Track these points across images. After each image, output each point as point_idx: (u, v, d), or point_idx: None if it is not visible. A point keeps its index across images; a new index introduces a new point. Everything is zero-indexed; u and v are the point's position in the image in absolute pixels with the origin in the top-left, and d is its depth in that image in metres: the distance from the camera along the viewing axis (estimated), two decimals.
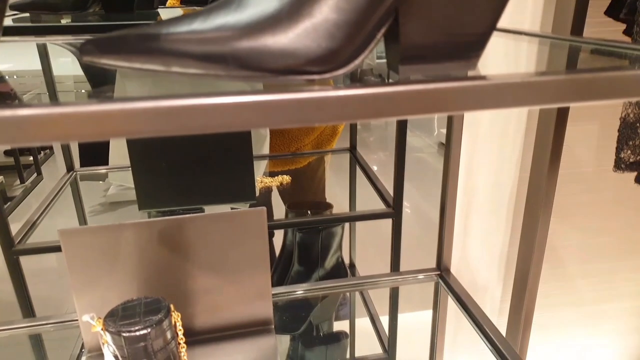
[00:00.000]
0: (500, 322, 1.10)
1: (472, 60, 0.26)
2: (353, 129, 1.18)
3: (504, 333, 0.95)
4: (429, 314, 0.81)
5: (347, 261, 1.25)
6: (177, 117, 0.22)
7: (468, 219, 0.94)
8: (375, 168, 1.05)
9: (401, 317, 0.90)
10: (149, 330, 0.46)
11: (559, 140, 0.73)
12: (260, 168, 1.10)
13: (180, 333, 0.51)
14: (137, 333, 0.46)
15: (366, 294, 1.14)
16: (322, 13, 0.22)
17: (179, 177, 0.89)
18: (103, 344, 0.47)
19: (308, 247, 1.14)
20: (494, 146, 0.85)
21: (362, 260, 1.27)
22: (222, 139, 0.88)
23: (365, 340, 1.07)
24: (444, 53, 0.25)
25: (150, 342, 0.46)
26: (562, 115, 0.70)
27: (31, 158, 2.84)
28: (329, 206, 1.13)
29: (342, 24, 0.23)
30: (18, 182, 2.68)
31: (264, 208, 0.56)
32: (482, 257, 1.00)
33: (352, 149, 1.18)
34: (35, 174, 2.80)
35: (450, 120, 0.62)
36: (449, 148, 0.64)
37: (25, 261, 0.83)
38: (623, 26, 0.75)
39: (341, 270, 1.17)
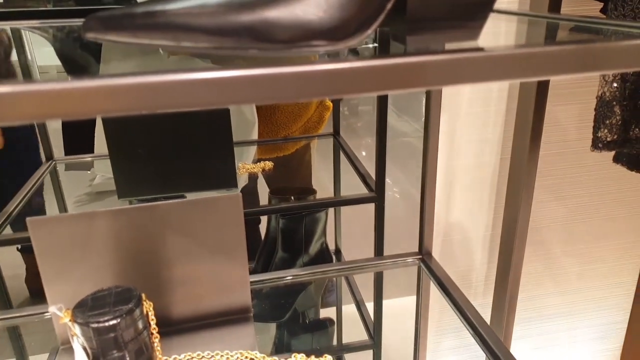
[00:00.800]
0: (485, 302, 1.13)
1: (475, 30, 0.27)
2: (336, 115, 1.19)
3: (489, 313, 0.98)
4: (413, 299, 0.82)
5: (332, 247, 1.26)
6: (159, 94, 0.21)
7: (450, 201, 0.96)
8: (363, 154, 1.05)
9: (387, 303, 0.92)
10: (119, 320, 0.45)
11: (539, 119, 0.75)
12: (249, 154, 1.09)
13: (153, 323, 0.50)
14: (106, 324, 0.45)
15: (352, 280, 1.15)
16: None
17: (159, 164, 0.88)
18: (72, 336, 0.45)
19: (291, 233, 1.14)
20: (474, 127, 0.87)
21: (348, 246, 1.28)
22: (201, 125, 0.87)
23: (352, 327, 1.08)
24: (449, 22, 0.26)
25: (121, 332, 0.45)
26: (541, 94, 0.72)
27: None
28: (313, 192, 1.14)
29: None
30: None
31: (240, 194, 0.56)
32: (465, 238, 1.02)
33: (336, 134, 1.18)
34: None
35: (428, 101, 0.63)
36: (427, 130, 0.65)
37: (4, 253, 0.81)
38: (600, 5, 0.77)
39: (326, 256, 1.18)
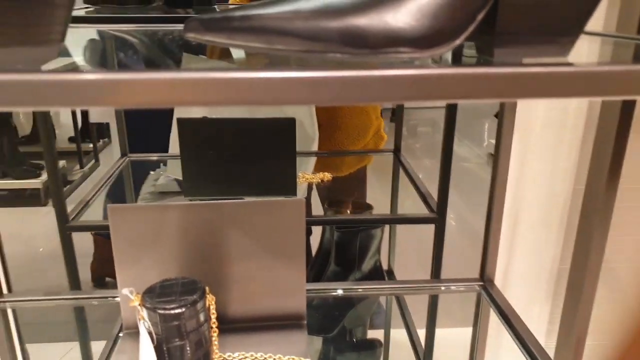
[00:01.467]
0: (549, 345, 1.07)
1: (566, 46, 0.27)
2: (398, 131, 1.18)
3: (551, 356, 0.92)
4: (468, 331, 0.78)
5: (385, 267, 1.24)
6: (243, 89, 0.23)
7: (516, 230, 0.93)
8: (420, 175, 1.04)
9: (439, 332, 0.88)
10: (184, 309, 0.47)
11: (620, 152, 0.71)
12: (308, 167, 1.11)
13: (214, 317, 0.52)
14: (172, 311, 0.47)
15: (403, 303, 1.13)
16: None
17: (225, 168, 0.92)
18: (139, 319, 0.48)
19: (345, 247, 1.14)
20: (546, 156, 0.84)
21: (400, 267, 1.26)
22: (267, 133, 0.90)
23: (400, 352, 1.06)
24: (538, 37, 0.26)
25: (184, 321, 0.47)
26: (624, 124, 0.69)
27: (91, 145, 3.00)
28: (369, 207, 1.13)
29: (445, 5, 0.24)
30: (78, 167, 2.86)
31: (303, 199, 0.57)
32: (530, 272, 0.98)
33: (396, 151, 1.18)
34: (93, 160, 2.97)
35: (500, 125, 0.62)
36: (498, 154, 0.64)
37: (79, 240, 0.87)
38: None
39: (378, 275, 1.17)
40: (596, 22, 0.74)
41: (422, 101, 0.24)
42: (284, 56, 0.28)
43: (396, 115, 1.18)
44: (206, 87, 0.23)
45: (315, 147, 1.10)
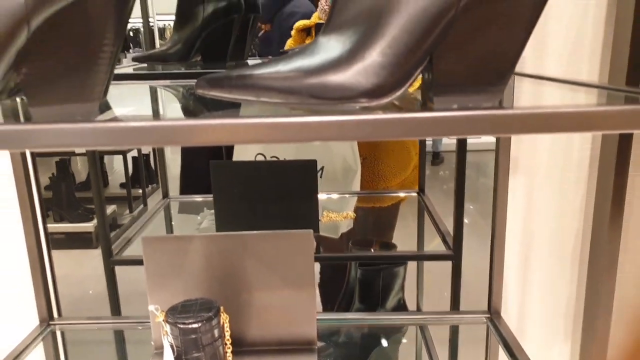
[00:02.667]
0: None
1: (496, 94, 0.32)
2: (422, 173, 1.24)
3: None
4: None
5: (414, 305, 1.26)
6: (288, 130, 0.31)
7: (529, 266, 0.94)
8: (440, 213, 1.09)
9: None
10: (200, 324, 0.54)
11: (620, 190, 0.74)
12: (349, 204, 1.17)
13: (227, 334, 0.58)
14: (190, 326, 0.54)
15: (428, 336, 1.14)
16: (371, 57, 0.30)
17: (253, 206, 0.99)
18: (163, 335, 0.55)
19: (369, 285, 1.18)
20: (553, 191, 0.86)
21: (428, 305, 1.28)
22: (291, 174, 0.98)
23: None
24: (470, 87, 0.32)
25: (200, 335, 0.54)
26: (621, 163, 0.72)
27: (140, 191, 3.18)
28: (393, 246, 1.17)
29: (386, 65, 0.30)
30: (127, 211, 3.03)
31: (311, 231, 0.63)
32: (547, 310, 0.98)
33: (420, 192, 1.23)
34: (142, 205, 3.13)
35: (496, 161, 0.67)
36: (496, 188, 0.68)
37: (122, 272, 0.97)
38: None
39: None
40: (591, 72, 0.78)
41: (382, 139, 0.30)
42: (270, 106, 0.36)
43: (420, 157, 1.24)
44: (260, 130, 0.31)
45: (358, 179, 1.16)
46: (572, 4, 0.75)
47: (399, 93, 0.31)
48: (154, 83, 0.82)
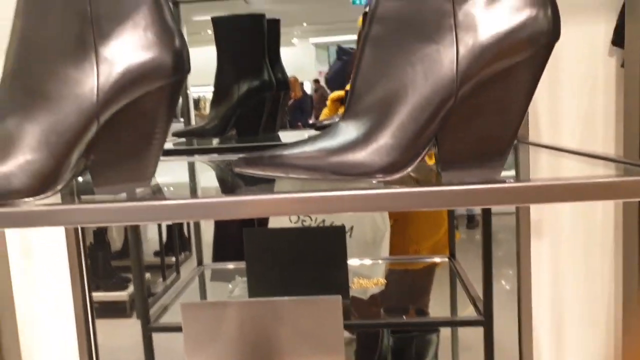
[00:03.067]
0: None
1: (496, 169, 0.37)
2: (452, 238, 1.25)
3: None
4: None
5: None
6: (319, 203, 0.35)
7: (561, 330, 0.93)
8: (477, 278, 1.09)
9: None
10: None
11: None
12: (380, 268, 1.19)
13: None
14: None
15: None
16: (384, 139, 0.35)
17: (284, 272, 1.03)
18: None
19: (402, 353, 1.17)
20: (580, 255, 0.87)
21: None
22: (320, 239, 1.02)
23: None
24: (473, 164, 0.36)
25: None
26: None
27: (174, 259, 3.24)
28: (425, 313, 1.17)
29: (396, 147, 0.35)
30: (161, 279, 3.08)
31: (339, 297, 0.66)
32: None
33: (451, 257, 1.24)
34: (175, 273, 3.18)
35: (517, 228, 0.69)
36: (519, 257, 0.70)
37: (157, 339, 1.00)
38: None
39: None
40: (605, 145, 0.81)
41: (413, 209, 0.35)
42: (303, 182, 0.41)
43: (449, 221, 1.26)
44: (290, 204, 0.36)
45: (387, 239, 1.18)
46: (583, 77, 0.80)
47: (408, 169, 0.36)
48: (193, 159, 0.89)
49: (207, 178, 1.05)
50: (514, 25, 0.34)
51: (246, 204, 0.36)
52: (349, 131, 0.38)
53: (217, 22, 1.06)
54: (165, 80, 0.40)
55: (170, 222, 3.12)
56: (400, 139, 0.35)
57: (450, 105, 0.35)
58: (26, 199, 0.38)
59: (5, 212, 0.37)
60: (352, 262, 1.15)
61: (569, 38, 0.78)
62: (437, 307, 1.25)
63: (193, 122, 1.31)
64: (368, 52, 0.37)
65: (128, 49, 0.39)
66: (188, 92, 1.33)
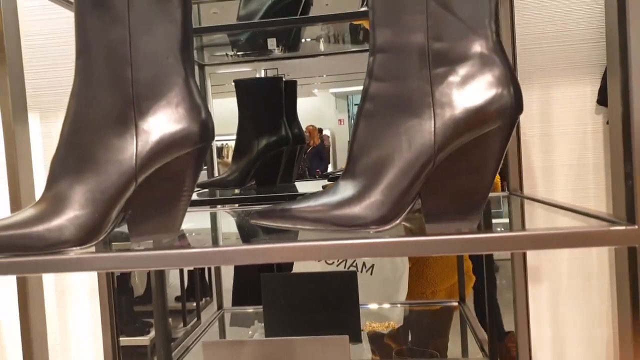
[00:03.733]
0: None
1: (473, 221, 0.42)
2: (461, 282, 1.28)
3: None
4: None
5: None
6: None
7: None
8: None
9: None
10: None
11: (636, 299, 0.77)
12: (399, 294, 1.23)
13: None
14: None
15: None
16: (375, 196, 0.42)
17: (299, 314, 1.07)
18: None
19: None
20: (578, 299, 0.89)
21: None
22: (333, 284, 1.06)
23: None
24: (452, 217, 0.42)
25: None
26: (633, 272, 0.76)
27: (194, 304, 3.26)
28: (435, 356, 1.19)
29: (386, 203, 0.41)
30: (182, 324, 3.10)
31: (346, 336, 0.70)
32: None
33: (461, 301, 1.26)
34: (195, 319, 3.19)
35: (513, 273, 0.73)
36: (515, 304, 0.74)
37: None
38: None
39: None
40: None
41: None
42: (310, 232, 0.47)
43: (459, 266, 1.29)
44: (299, 251, 0.42)
45: (405, 277, 1.22)
46: (573, 133, 0.86)
47: (397, 222, 0.42)
48: (216, 209, 0.97)
49: (228, 224, 1.12)
50: (483, 102, 0.41)
51: (260, 251, 0.43)
52: (347, 189, 0.44)
53: (238, 84, 1.16)
54: (193, 147, 0.48)
55: (192, 268, 3.19)
56: (389, 196, 0.41)
57: (429, 169, 0.41)
58: (73, 248, 0.45)
59: (48, 259, 0.44)
60: (371, 306, 1.20)
61: (559, 97, 0.85)
62: (454, 346, 1.27)
63: (216, 169, 1.39)
64: (362, 123, 0.44)
65: (162, 122, 0.47)
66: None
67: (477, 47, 0.42)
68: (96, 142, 0.46)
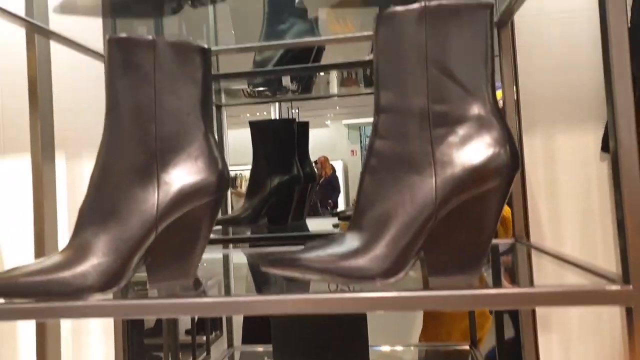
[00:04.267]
0: None
1: (473, 276, 0.44)
2: (472, 324, 1.27)
3: None
4: None
5: None
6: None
7: None
8: None
9: None
10: None
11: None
12: (412, 331, 1.23)
13: None
14: None
15: None
16: (380, 249, 0.44)
17: (309, 356, 1.08)
18: None
19: None
20: (589, 350, 0.89)
21: None
22: (343, 326, 1.07)
23: None
24: (454, 271, 0.44)
25: None
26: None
27: (204, 338, 3.23)
28: None
29: (390, 256, 0.44)
30: (191, 358, 3.07)
31: None
32: None
33: (472, 345, 1.26)
34: (205, 353, 3.16)
35: (521, 325, 0.74)
36: (523, 352, 0.74)
37: None
38: None
39: None
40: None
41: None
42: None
43: (469, 312, 1.29)
44: (304, 303, 0.45)
45: (420, 315, 1.22)
46: (578, 180, 0.87)
47: (400, 276, 0.44)
48: (228, 251, 1.00)
49: (240, 260, 1.14)
50: (481, 161, 0.44)
51: (273, 302, 0.45)
52: (353, 241, 0.47)
53: (253, 125, 1.21)
54: (210, 197, 0.51)
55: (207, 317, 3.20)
56: (393, 249, 0.44)
57: (431, 224, 0.43)
58: (95, 294, 0.48)
59: (69, 305, 0.47)
60: (384, 348, 1.20)
61: (564, 146, 0.87)
62: None
63: (229, 200, 1.42)
64: (367, 178, 0.47)
65: (183, 174, 0.51)
66: None
67: (475, 110, 0.45)
68: (120, 193, 0.50)
